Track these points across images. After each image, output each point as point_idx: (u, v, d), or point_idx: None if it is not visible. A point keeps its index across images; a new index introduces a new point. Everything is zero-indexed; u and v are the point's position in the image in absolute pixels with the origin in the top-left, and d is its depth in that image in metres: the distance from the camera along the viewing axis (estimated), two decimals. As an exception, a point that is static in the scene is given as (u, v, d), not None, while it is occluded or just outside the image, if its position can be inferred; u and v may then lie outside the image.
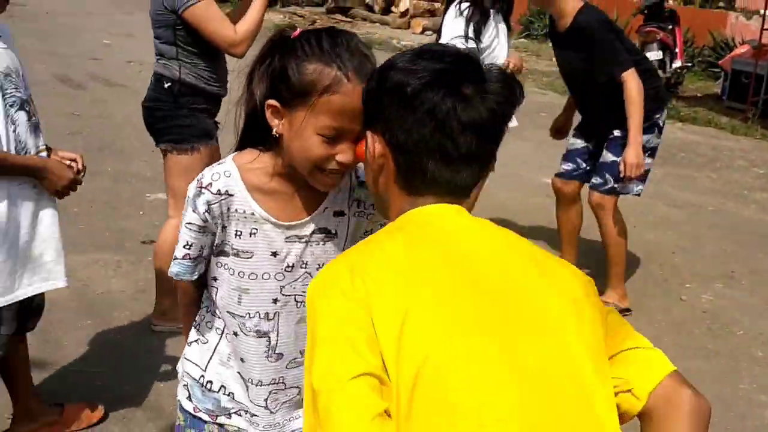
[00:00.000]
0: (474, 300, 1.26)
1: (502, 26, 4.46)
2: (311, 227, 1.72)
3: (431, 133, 1.33)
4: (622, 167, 4.12)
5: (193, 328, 1.88)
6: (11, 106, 2.58)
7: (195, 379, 1.85)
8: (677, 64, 11.36)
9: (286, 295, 1.72)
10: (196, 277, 1.80)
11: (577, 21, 4.13)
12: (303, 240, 1.72)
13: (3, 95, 2.55)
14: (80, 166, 2.81)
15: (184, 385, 1.86)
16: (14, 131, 2.60)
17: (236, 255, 1.73)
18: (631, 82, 4.03)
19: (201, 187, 1.72)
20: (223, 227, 1.73)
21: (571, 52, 4.26)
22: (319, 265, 1.71)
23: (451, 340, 1.21)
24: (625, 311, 4.38)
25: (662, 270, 5.19)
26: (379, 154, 1.40)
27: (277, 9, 18.26)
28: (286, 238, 1.71)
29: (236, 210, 1.71)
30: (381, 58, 1.47)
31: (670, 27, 11.39)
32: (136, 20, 14.69)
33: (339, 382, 1.17)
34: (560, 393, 1.23)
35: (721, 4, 14.87)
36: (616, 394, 1.31)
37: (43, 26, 12.79)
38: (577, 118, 4.77)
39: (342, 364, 1.19)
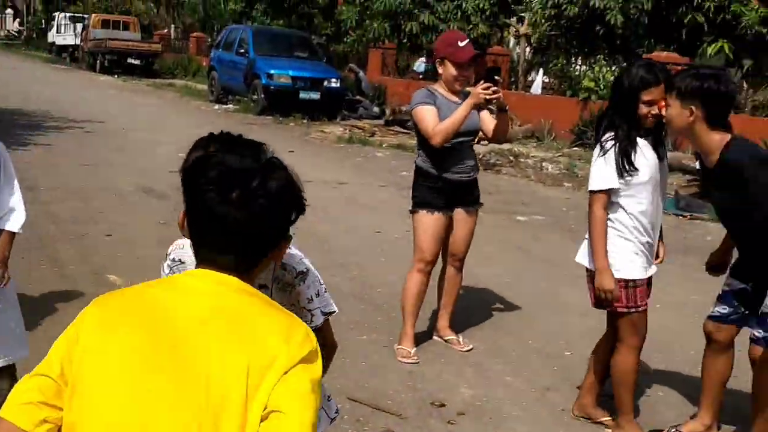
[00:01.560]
0: (143, 336, 1.60)
1: (653, 154, 4.00)
2: None
3: (198, 217, 1.70)
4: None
5: None
6: None
7: None
8: (732, 170, 11.62)
9: None
10: None
11: (725, 158, 3.69)
12: None
13: None
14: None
15: None
16: None
17: None
18: None
19: (167, 254, 2.35)
20: None
21: (723, 190, 3.86)
22: None
23: (99, 366, 1.59)
24: None
25: (730, 367, 5.36)
26: (187, 232, 1.79)
27: (338, 122, 19.03)
28: None
29: None
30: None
31: (723, 135, 11.71)
32: (204, 134, 15.49)
33: (30, 375, 1.66)
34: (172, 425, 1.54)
35: (772, 112, 15.18)
36: None
37: (122, 142, 13.58)
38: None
39: (40, 365, 1.66)
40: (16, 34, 57.56)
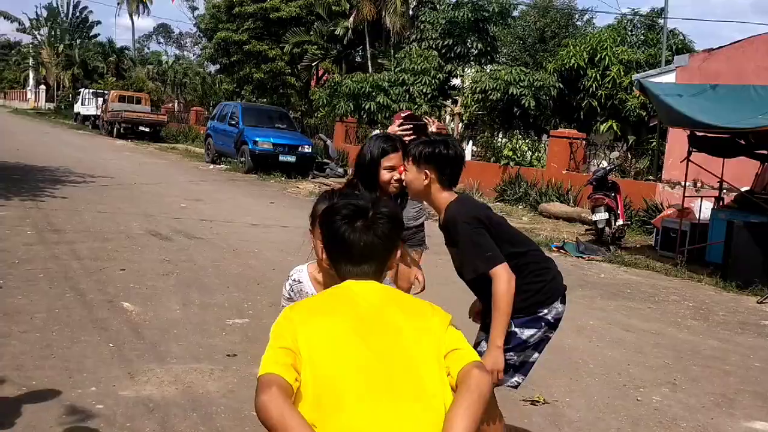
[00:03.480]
0: (350, 320, 1.87)
1: None
2: None
3: (337, 246, 1.99)
4: None
5: None
6: None
7: None
8: (620, 222, 11.83)
9: None
10: None
11: (445, 217, 3.15)
12: None
13: None
14: None
15: None
16: None
17: None
18: (497, 279, 2.94)
19: (289, 276, 2.71)
20: (299, 299, 2.55)
21: (450, 246, 3.22)
22: None
23: (328, 336, 1.83)
24: None
25: (621, 377, 5.40)
26: (325, 259, 2.13)
27: (309, 180, 19.02)
28: None
29: (305, 291, 2.63)
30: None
31: (613, 194, 11.94)
32: (202, 189, 15.36)
33: (273, 347, 1.82)
34: (396, 371, 1.80)
35: (650, 177, 15.54)
36: (448, 375, 1.86)
37: (134, 193, 13.38)
38: None
39: (276, 340, 1.84)
40: (49, 109, 56.76)
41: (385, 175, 3.36)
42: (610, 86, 18.22)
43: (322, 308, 1.92)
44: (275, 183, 18.22)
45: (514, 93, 18.16)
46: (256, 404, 1.69)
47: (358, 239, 1.94)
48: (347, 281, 1.99)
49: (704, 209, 11.42)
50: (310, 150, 20.10)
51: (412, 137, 3.79)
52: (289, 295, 2.65)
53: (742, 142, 10.08)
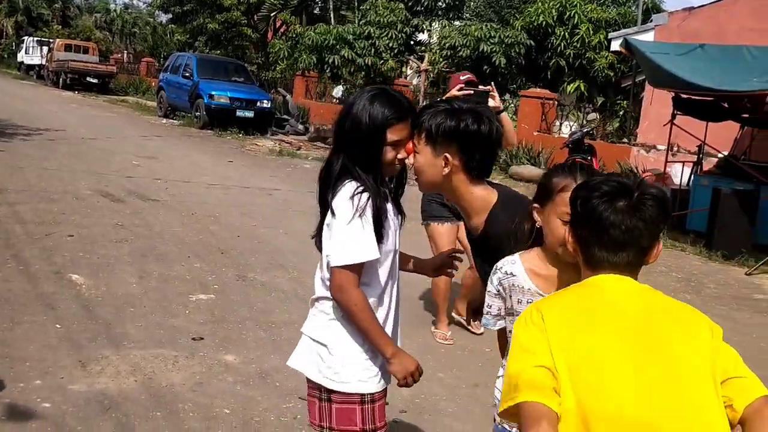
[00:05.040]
0: (614, 332, 1.56)
1: (395, 218, 2.33)
2: None
3: (592, 228, 1.64)
4: None
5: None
6: None
7: None
8: (596, 186, 11.48)
9: None
10: (497, 327, 2.18)
11: (488, 229, 2.21)
12: None
13: None
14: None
15: None
16: None
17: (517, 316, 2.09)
18: None
19: (498, 268, 2.12)
20: (510, 296, 2.10)
21: (481, 261, 2.36)
22: None
23: (591, 353, 1.55)
24: None
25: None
26: (571, 242, 1.73)
27: (268, 137, 18.25)
28: None
29: (518, 285, 2.07)
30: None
31: (589, 157, 11.55)
32: (155, 145, 14.50)
33: (523, 362, 1.58)
34: (672, 397, 1.50)
35: (625, 140, 15.22)
36: (726, 406, 1.55)
37: (81, 149, 12.49)
38: None
39: (527, 355, 1.58)
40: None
41: (388, 153, 2.22)
42: (578, 45, 17.76)
43: (579, 317, 1.62)
44: (232, 140, 17.39)
45: (485, 50, 17.55)
46: None
47: (620, 221, 1.63)
48: (598, 277, 1.66)
49: (684, 175, 11.13)
50: (269, 105, 19.28)
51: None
52: (497, 290, 2.13)
53: (726, 105, 9.72)
